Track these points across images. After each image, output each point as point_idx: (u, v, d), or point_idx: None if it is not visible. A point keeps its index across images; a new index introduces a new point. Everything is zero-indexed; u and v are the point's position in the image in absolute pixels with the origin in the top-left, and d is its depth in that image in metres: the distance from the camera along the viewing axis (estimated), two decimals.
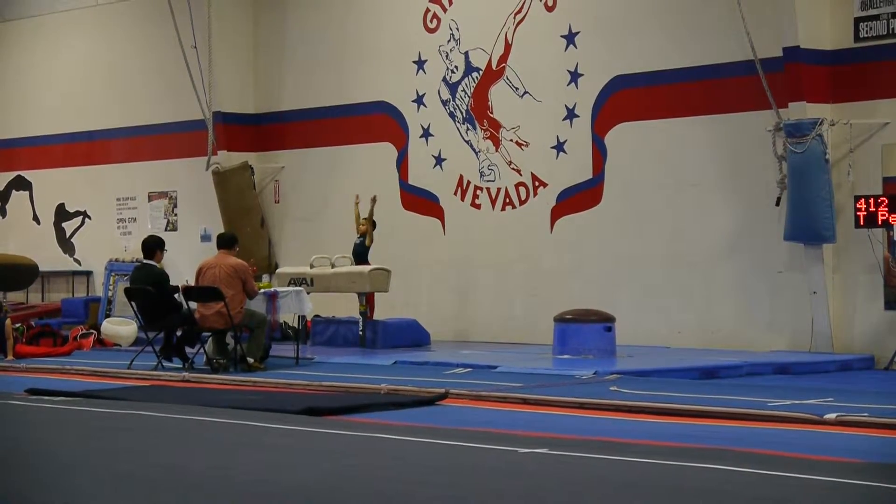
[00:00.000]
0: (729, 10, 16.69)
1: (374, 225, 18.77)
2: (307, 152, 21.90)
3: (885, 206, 15.19)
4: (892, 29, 15.90)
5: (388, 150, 20.84)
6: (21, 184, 26.21)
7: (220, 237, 16.40)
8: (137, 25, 23.94)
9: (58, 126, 25.40)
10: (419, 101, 20.44)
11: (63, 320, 22.06)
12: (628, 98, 18.20)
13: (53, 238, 25.51)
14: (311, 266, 18.65)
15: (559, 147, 18.89)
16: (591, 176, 18.58)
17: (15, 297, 24.65)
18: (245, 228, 21.16)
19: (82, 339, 19.26)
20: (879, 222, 15.31)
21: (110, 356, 17.62)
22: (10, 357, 17.69)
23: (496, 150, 19.56)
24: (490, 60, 19.63)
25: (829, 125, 16.02)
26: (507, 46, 19.44)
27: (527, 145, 19.25)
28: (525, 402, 12.03)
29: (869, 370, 15.52)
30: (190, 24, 21.53)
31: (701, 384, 13.40)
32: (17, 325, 19.11)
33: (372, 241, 18.64)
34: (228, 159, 22.07)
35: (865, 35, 16.07)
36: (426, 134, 20.36)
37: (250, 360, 15.40)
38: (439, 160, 20.22)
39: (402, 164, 20.67)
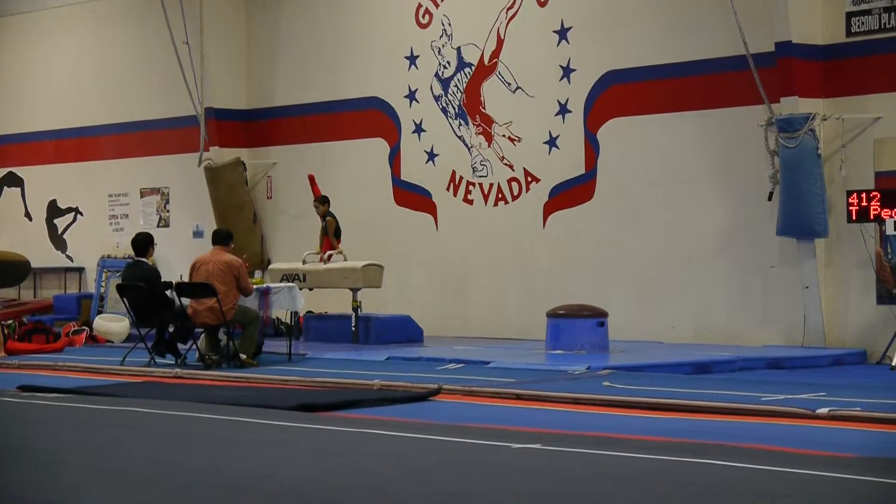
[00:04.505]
0: (721, 5, 16.69)
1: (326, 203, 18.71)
2: (299, 148, 21.87)
3: (877, 201, 15.19)
4: (884, 24, 15.91)
5: (380, 146, 20.83)
6: (13, 180, 26.17)
7: (215, 233, 16.39)
8: (129, 22, 23.90)
9: (49, 122, 25.36)
10: (411, 96, 20.42)
11: (55, 317, 22.04)
12: (620, 93, 18.20)
13: (45, 235, 25.46)
14: (304, 262, 18.65)
15: (551, 142, 18.89)
16: (583, 171, 18.58)
17: (7, 293, 24.62)
18: (237, 224, 21.12)
19: (74, 336, 19.24)
20: (872, 217, 15.31)
21: (103, 353, 17.60)
22: (1, 354, 17.66)
23: (489, 146, 19.55)
24: (482, 56, 19.62)
25: (821, 120, 16.02)
26: (500, 42, 19.43)
27: (519, 141, 19.24)
28: (518, 397, 12.04)
29: (861, 364, 15.54)
30: (182, 20, 21.49)
31: (694, 379, 13.42)
32: (9, 321, 19.09)
33: (331, 225, 18.61)
34: (220, 155, 22.04)
35: (857, 30, 16.08)
36: (418, 129, 20.35)
37: (243, 356, 15.40)
38: (432, 156, 20.21)
39: (394, 159, 20.65)
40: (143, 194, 23.86)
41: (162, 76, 22.85)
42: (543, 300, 17.53)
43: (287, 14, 21.97)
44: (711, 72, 17.31)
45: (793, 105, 16.08)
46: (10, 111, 26.13)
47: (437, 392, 12.27)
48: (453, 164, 19.95)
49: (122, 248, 23.08)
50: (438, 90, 20.12)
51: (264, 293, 16.04)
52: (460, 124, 19.87)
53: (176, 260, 21.70)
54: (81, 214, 24.96)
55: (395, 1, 20.69)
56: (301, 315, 18.57)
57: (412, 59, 20.39)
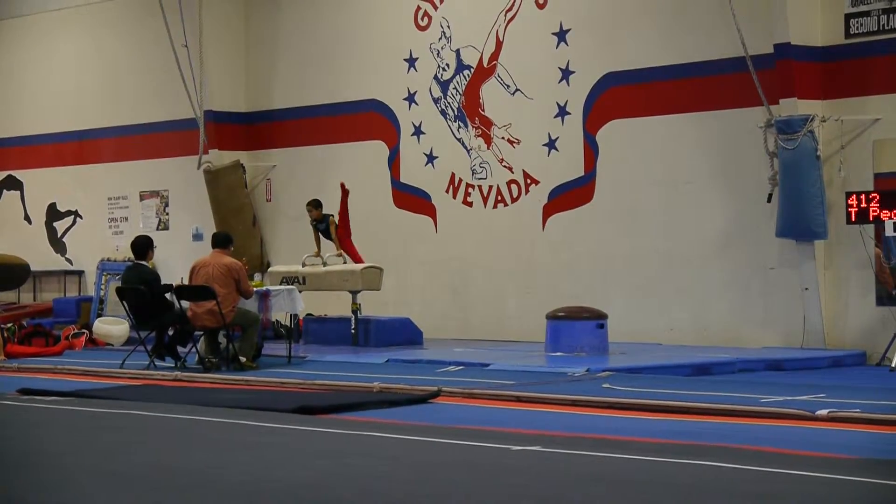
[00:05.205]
0: (720, 7, 16.70)
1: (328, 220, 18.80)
2: (299, 151, 21.88)
3: (876, 203, 15.19)
4: (883, 25, 15.91)
5: (379, 149, 20.83)
6: (12, 183, 26.17)
7: (215, 236, 16.40)
8: (128, 24, 23.91)
9: (49, 125, 25.36)
10: (410, 99, 20.43)
11: (55, 320, 22.03)
12: (619, 95, 18.20)
13: (45, 238, 25.46)
14: (303, 264, 18.65)
15: (551, 144, 18.89)
16: (582, 173, 18.58)
17: (6, 296, 24.61)
18: (237, 227, 21.14)
19: (74, 339, 19.24)
20: (871, 218, 15.30)
21: (102, 356, 17.60)
22: (1, 357, 17.66)
23: (488, 148, 19.55)
24: (481, 58, 19.62)
25: (820, 122, 16.03)
26: (499, 44, 19.44)
27: (518, 143, 19.24)
28: (518, 399, 12.04)
29: (861, 366, 15.54)
30: (181, 23, 21.50)
31: (693, 381, 13.43)
32: (9, 324, 19.08)
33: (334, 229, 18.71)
34: (220, 158, 22.05)
35: (856, 31, 16.08)
36: (418, 132, 20.35)
37: (242, 358, 15.40)
38: (431, 158, 20.22)
39: (393, 162, 20.66)
40: (142, 197, 23.87)
41: (161, 79, 22.85)
42: (543, 302, 17.53)
43: (286, 17, 21.97)
44: (710, 73, 17.31)
45: (792, 107, 16.09)
46: (9, 114, 26.13)
47: (436, 394, 12.27)
48: (452, 167, 19.95)
49: (122, 251, 23.08)
50: (437, 92, 20.13)
51: (264, 296, 16.05)
52: (459, 126, 19.87)
53: (175, 263, 21.71)
54: (81, 217, 24.96)
55: (394, 3, 20.70)
56: (300, 318, 18.57)
57: (411, 61, 20.39)
